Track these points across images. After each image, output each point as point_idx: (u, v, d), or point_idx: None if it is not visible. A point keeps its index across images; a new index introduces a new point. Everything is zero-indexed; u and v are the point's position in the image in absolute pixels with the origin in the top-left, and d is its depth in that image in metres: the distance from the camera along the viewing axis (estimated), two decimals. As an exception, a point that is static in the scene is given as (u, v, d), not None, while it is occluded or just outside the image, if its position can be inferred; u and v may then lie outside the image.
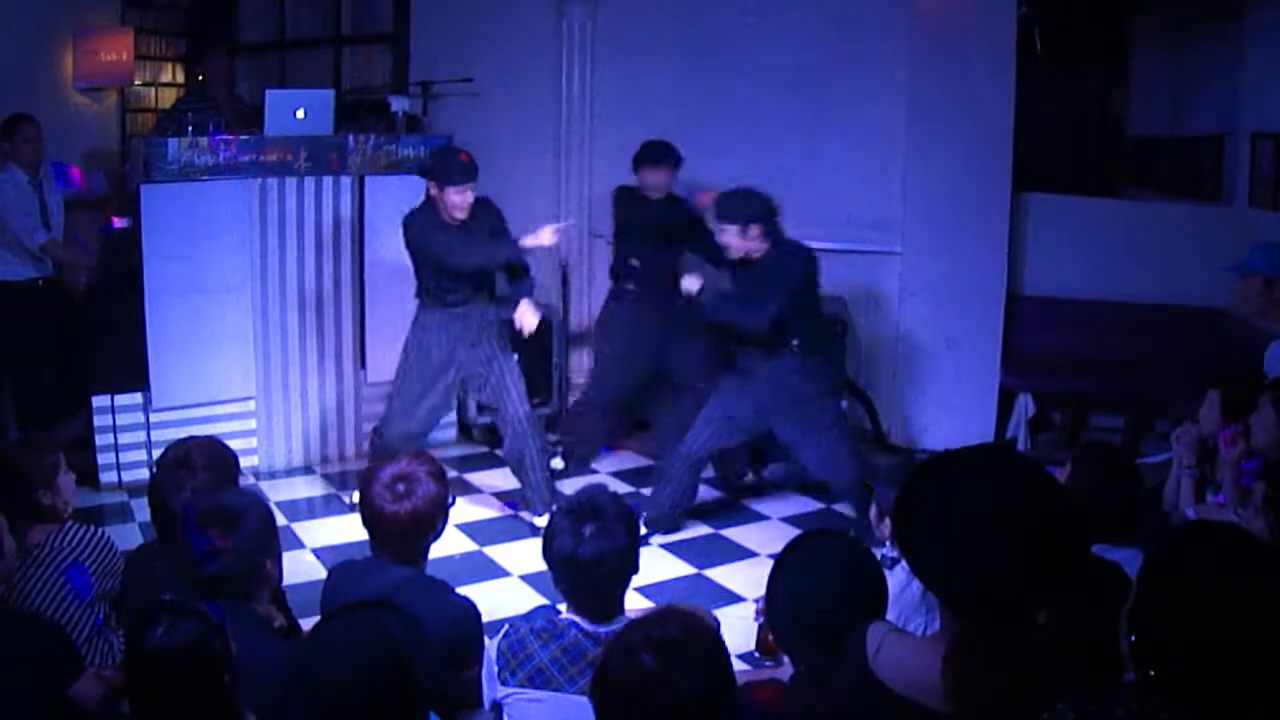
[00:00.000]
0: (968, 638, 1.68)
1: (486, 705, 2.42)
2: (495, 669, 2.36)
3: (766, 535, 4.76)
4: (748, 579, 4.28)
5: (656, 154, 5.15)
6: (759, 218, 4.45)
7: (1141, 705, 1.46)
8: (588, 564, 2.31)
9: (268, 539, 2.45)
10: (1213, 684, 1.45)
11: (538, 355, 6.02)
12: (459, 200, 4.46)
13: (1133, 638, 1.53)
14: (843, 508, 5.10)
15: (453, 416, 5.86)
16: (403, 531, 2.60)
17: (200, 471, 2.79)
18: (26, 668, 2.14)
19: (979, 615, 1.67)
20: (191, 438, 3.01)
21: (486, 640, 2.50)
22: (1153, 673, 1.49)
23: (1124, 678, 1.58)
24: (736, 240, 4.47)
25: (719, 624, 2.73)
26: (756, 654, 2.93)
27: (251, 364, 5.25)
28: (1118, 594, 1.68)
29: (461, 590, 2.78)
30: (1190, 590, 1.50)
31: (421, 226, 4.52)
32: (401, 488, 2.59)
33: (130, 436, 5.07)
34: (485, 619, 2.75)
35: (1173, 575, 1.54)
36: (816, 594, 2.13)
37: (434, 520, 2.66)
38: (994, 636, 1.65)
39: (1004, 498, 1.67)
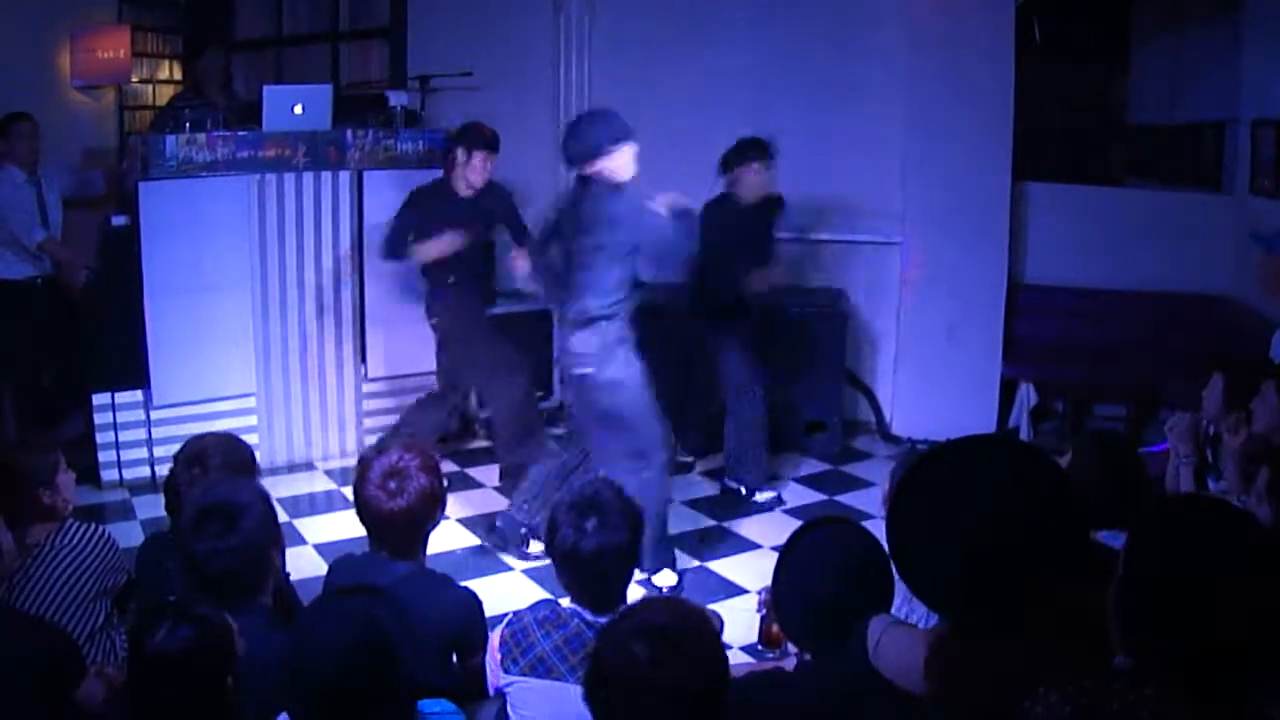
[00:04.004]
0: (952, 638, 1.65)
1: (491, 693, 2.43)
2: (498, 657, 2.37)
3: (769, 527, 4.75)
4: (751, 571, 4.28)
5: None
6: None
7: (1137, 696, 1.37)
8: (588, 558, 2.32)
9: (271, 531, 2.42)
10: (1203, 665, 1.37)
11: (538, 349, 6.01)
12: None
13: (1121, 620, 1.45)
14: (848, 499, 5.10)
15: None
16: (399, 527, 2.60)
17: (215, 469, 2.78)
18: (32, 672, 2.14)
19: (969, 621, 1.64)
20: (209, 434, 3.00)
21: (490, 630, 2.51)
22: (1143, 656, 1.42)
23: (1114, 662, 1.51)
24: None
25: (723, 623, 2.73)
26: (760, 645, 2.93)
27: (252, 360, 5.23)
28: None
29: (465, 584, 2.77)
30: (1175, 566, 1.41)
31: None
32: (394, 484, 2.58)
33: (131, 434, 5.06)
34: (489, 614, 2.74)
35: (1157, 551, 1.45)
36: (823, 581, 2.12)
37: (430, 513, 2.65)
38: (982, 637, 1.61)
39: (992, 501, 1.61)
